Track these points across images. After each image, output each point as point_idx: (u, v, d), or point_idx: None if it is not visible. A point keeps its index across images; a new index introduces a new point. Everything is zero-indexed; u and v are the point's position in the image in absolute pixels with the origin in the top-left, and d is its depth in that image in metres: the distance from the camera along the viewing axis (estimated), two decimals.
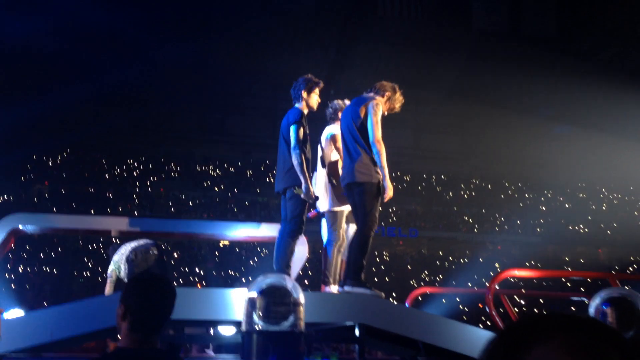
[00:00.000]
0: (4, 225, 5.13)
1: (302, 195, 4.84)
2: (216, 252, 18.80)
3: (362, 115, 4.86)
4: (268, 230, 5.74)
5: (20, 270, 16.58)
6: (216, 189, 22.33)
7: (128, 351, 1.99)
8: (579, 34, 21.31)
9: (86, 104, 21.18)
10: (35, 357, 4.17)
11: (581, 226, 24.03)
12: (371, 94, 5.02)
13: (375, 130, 4.79)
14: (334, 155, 5.37)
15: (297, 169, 4.83)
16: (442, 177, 25.53)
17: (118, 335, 2.08)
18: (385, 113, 5.06)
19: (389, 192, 4.82)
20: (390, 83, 5.11)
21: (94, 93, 20.35)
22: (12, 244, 5.51)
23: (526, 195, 25.08)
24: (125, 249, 6.17)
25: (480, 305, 15.38)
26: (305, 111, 5.03)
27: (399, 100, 5.08)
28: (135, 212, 19.19)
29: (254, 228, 6.00)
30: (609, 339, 0.80)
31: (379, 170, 4.86)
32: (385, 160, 4.81)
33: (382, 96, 5.02)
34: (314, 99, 5.10)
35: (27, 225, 5.32)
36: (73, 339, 4.48)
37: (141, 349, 1.98)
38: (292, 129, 4.89)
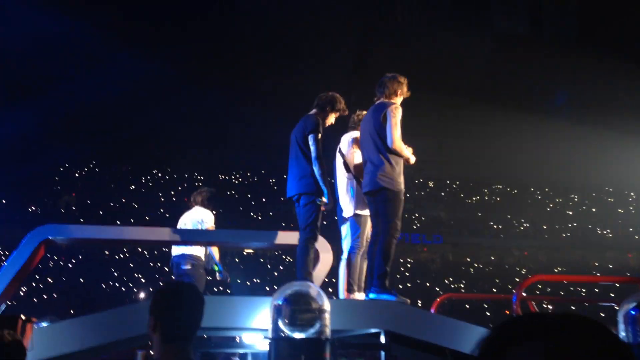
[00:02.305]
0: (35, 236, 5.23)
1: (323, 206, 4.87)
2: (236, 260, 18.89)
3: (383, 120, 4.87)
4: (289, 238, 5.76)
5: (50, 281, 16.85)
6: (239, 197, 22.46)
7: None
8: (603, 34, 21.05)
9: (108, 116, 21.52)
10: None
11: (609, 230, 23.64)
12: (384, 99, 5.00)
13: (394, 133, 4.79)
14: (358, 158, 5.35)
15: (320, 178, 4.86)
16: (466, 182, 25.33)
17: (150, 343, 2.05)
18: (403, 97, 5.08)
19: (411, 160, 4.89)
20: (390, 77, 5.07)
21: (116, 105, 20.67)
22: (43, 255, 5.62)
23: (552, 199, 24.76)
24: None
25: (507, 312, 15.19)
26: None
27: (404, 84, 5.05)
28: (161, 222, 19.38)
29: (276, 236, 6.03)
30: (596, 342, 0.72)
31: (401, 179, 4.86)
32: (407, 151, 4.87)
33: (390, 94, 4.99)
34: (331, 120, 5.18)
35: (57, 236, 5.41)
36: (103, 346, 4.55)
37: None
38: (312, 138, 4.91)
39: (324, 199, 4.85)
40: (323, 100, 5.12)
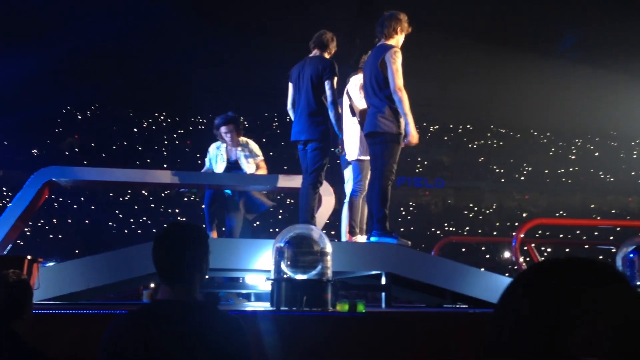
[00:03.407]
0: (39, 177, 5.25)
1: (337, 151, 4.95)
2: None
3: (380, 66, 4.81)
4: (292, 182, 5.78)
5: (55, 222, 17.04)
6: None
7: (165, 302, 1.97)
8: None
9: (111, 57, 21.24)
10: (72, 304, 4.33)
11: (611, 175, 23.68)
12: (384, 40, 4.92)
13: (396, 78, 4.73)
14: (363, 104, 5.33)
15: (335, 124, 4.91)
16: (469, 126, 25.21)
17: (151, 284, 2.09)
18: (405, 33, 4.99)
19: (414, 139, 4.77)
20: (388, 15, 4.97)
21: (119, 46, 20.37)
22: (47, 196, 5.66)
23: (555, 144, 24.70)
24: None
25: (507, 254, 15.40)
26: None
27: (403, 20, 4.97)
28: (164, 165, 19.43)
29: (279, 179, 6.05)
30: None
31: (401, 122, 4.83)
32: (409, 107, 4.77)
33: (390, 32, 4.90)
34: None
35: (61, 178, 5.43)
36: (109, 286, 4.64)
37: (177, 300, 1.95)
38: (329, 83, 4.91)
39: (341, 148, 4.94)
40: (329, 41, 5.07)
